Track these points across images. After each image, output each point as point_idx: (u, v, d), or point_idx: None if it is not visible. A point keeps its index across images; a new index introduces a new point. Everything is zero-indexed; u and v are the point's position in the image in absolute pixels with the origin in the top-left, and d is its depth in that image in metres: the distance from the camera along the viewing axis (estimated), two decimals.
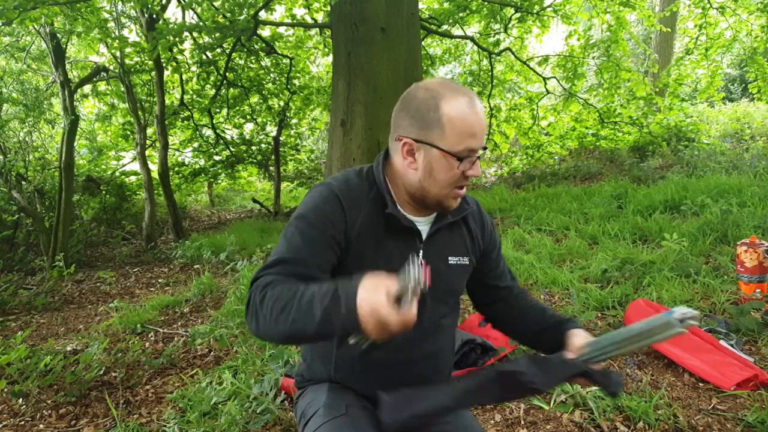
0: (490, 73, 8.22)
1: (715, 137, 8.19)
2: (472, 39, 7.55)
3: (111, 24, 7.09)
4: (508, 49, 7.91)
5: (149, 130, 8.19)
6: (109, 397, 2.35)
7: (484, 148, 1.02)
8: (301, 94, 8.83)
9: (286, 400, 2.10)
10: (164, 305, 3.97)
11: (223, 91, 8.27)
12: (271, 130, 9.79)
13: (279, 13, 7.93)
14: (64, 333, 3.68)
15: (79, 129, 8.22)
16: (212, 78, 8.20)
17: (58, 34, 6.44)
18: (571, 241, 4.18)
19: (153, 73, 7.43)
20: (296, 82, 8.77)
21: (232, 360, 2.64)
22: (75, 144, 6.89)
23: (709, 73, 7.88)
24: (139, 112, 7.44)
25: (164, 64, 7.16)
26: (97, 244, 7.61)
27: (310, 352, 1.20)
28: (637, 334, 0.93)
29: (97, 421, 2.21)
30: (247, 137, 9.80)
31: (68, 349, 3.09)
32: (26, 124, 8.01)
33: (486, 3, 7.14)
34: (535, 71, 8.19)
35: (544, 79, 8.01)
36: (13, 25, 5.83)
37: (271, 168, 9.87)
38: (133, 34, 7.63)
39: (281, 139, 9.45)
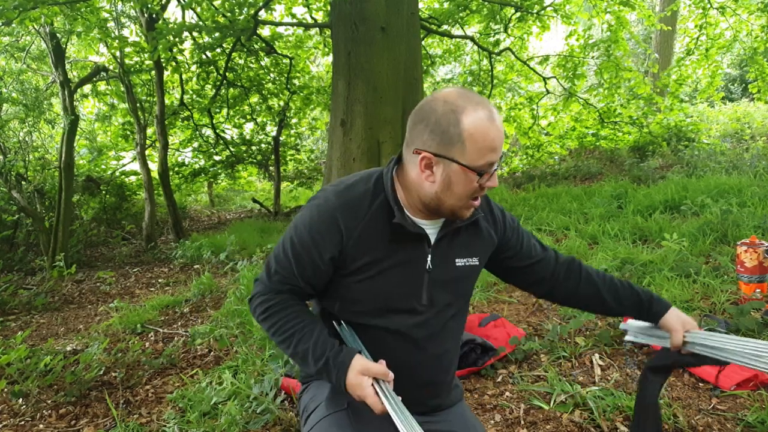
0: (490, 73, 8.22)
1: (715, 137, 8.18)
2: (472, 39, 7.55)
3: (111, 24, 7.09)
4: (508, 48, 7.92)
5: (149, 130, 8.18)
6: (109, 397, 2.35)
7: (501, 158, 1.02)
8: (301, 94, 8.83)
9: (286, 400, 2.10)
10: (164, 305, 3.96)
11: (223, 91, 8.26)
12: (271, 130, 9.79)
13: (279, 12, 7.92)
14: (64, 333, 3.68)
15: (79, 129, 8.22)
16: (212, 78, 8.19)
17: (57, 34, 6.43)
18: (571, 241, 4.18)
19: (153, 73, 7.43)
20: (296, 82, 8.77)
21: (232, 360, 2.64)
22: (75, 144, 6.89)
23: (709, 73, 7.88)
24: (139, 112, 7.43)
25: (164, 64, 7.16)
26: (97, 244, 7.61)
27: None
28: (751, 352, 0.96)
29: (97, 421, 2.21)
30: (247, 137, 9.79)
31: (68, 349, 3.09)
32: (26, 124, 8.00)
33: (486, 3, 7.14)
34: (535, 71, 8.19)
35: (544, 78, 8.01)
36: (13, 25, 5.82)
37: (271, 168, 9.87)
38: (133, 34, 7.61)
39: (281, 139, 9.45)
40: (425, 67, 8.21)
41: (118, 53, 6.95)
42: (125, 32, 7.37)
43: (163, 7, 6.79)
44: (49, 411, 2.29)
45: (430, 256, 1.09)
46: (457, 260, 1.13)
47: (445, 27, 7.57)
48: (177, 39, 5.63)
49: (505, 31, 7.74)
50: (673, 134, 7.87)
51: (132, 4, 6.53)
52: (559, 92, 8.76)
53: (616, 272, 3.25)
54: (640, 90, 7.43)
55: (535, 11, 7.04)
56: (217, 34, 5.60)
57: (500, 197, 6.53)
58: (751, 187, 4.69)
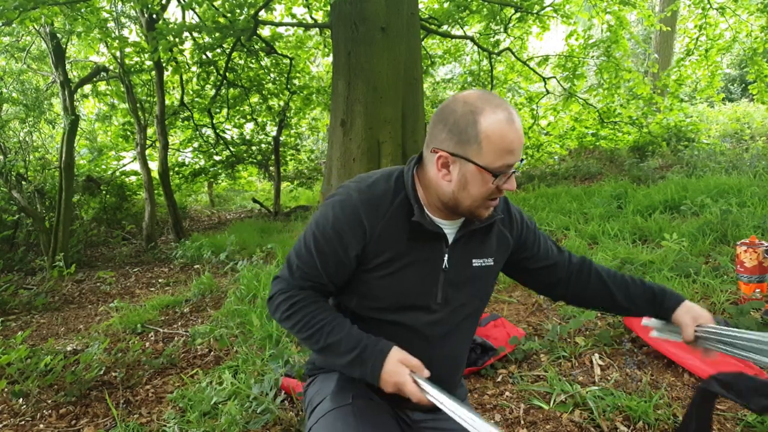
0: (490, 74, 8.23)
1: (714, 137, 8.18)
2: (472, 39, 7.56)
3: (111, 24, 7.09)
4: (508, 49, 7.92)
5: (149, 130, 8.19)
6: (109, 397, 2.36)
7: (521, 160, 1.02)
8: (301, 94, 8.84)
9: (286, 400, 2.10)
10: (164, 305, 3.97)
11: (223, 91, 8.27)
12: (271, 130, 9.80)
13: (279, 12, 7.92)
14: (64, 333, 3.68)
15: (79, 129, 8.22)
16: (212, 78, 8.20)
17: (58, 34, 6.43)
18: (571, 241, 4.19)
19: (153, 73, 7.43)
20: (296, 82, 8.77)
21: (232, 360, 2.64)
22: (75, 144, 6.89)
23: (708, 74, 7.88)
24: (139, 112, 7.43)
25: (164, 65, 7.16)
26: (97, 244, 7.61)
27: None
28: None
29: (97, 421, 2.21)
30: (247, 137, 9.80)
31: (68, 349, 3.09)
32: (26, 124, 8.00)
33: (486, 3, 7.14)
34: (535, 71, 8.20)
35: (544, 79, 8.02)
36: (13, 25, 5.83)
37: (271, 168, 9.87)
38: (133, 34, 7.63)
39: (281, 139, 9.46)
40: (425, 68, 8.22)
41: (118, 53, 6.95)
42: (125, 32, 7.38)
43: (164, 8, 6.79)
44: (50, 411, 2.30)
45: (447, 255, 1.10)
46: (474, 261, 1.14)
47: (445, 27, 7.58)
48: (177, 39, 5.62)
49: (505, 31, 7.74)
50: (673, 134, 7.87)
51: (132, 4, 6.52)
52: (559, 92, 8.76)
53: None
54: (639, 90, 7.44)
55: (535, 11, 7.04)
56: (217, 35, 5.60)
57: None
58: (750, 187, 4.69)
